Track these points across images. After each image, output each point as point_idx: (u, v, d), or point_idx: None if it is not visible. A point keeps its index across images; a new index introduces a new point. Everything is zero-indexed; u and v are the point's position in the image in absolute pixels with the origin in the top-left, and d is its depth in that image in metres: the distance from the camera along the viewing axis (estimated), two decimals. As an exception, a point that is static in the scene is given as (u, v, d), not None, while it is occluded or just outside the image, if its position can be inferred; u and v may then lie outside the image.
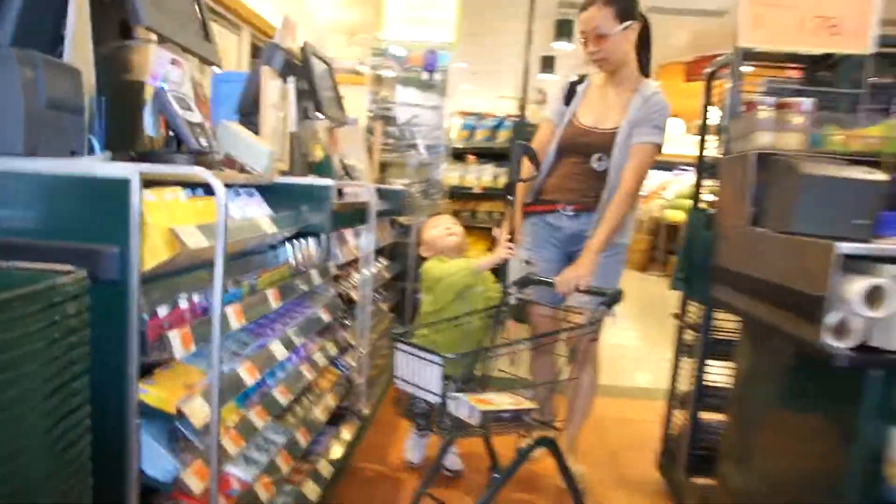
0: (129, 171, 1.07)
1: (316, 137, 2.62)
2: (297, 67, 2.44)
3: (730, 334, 2.15)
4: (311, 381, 1.91)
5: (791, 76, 2.22)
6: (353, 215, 2.49)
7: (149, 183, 1.14)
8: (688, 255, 2.04)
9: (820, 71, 2.10)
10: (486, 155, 5.12)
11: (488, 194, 5.01)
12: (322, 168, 2.45)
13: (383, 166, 3.54)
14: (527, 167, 2.31)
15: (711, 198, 2.24)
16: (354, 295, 2.45)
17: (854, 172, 1.39)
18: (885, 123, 1.69)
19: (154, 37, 1.57)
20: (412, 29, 3.62)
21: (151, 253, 1.11)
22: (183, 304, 1.27)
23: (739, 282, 1.69)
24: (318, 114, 2.56)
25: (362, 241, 2.56)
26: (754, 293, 1.58)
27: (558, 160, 2.38)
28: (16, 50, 1.09)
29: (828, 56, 2.02)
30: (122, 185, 1.06)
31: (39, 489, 0.82)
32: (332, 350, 2.16)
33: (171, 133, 1.38)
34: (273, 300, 1.61)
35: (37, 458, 0.81)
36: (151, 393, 1.15)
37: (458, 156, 4.99)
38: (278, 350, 1.63)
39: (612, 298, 1.85)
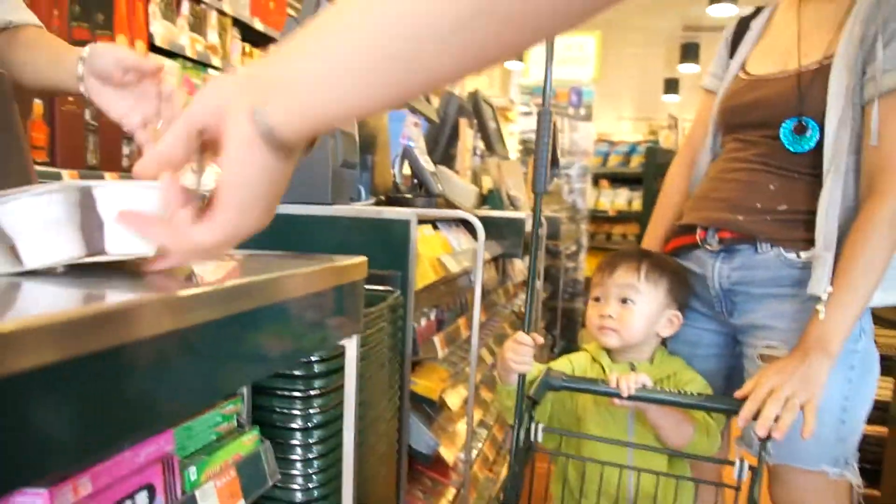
0: (409, 214, 1.41)
1: (486, 171, 2.96)
2: (467, 110, 2.81)
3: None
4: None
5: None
6: (519, 241, 2.79)
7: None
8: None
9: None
10: (619, 179, 5.31)
11: (622, 217, 5.21)
12: (493, 199, 2.78)
13: (533, 195, 3.85)
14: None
15: None
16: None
17: None
18: None
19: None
20: (556, 69, 3.92)
21: (422, 276, 1.45)
22: (431, 317, 1.60)
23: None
24: (485, 150, 2.92)
25: (527, 263, 2.86)
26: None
27: (716, 149, 1.39)
28: (326, 126, 1.48)
29: None
30: (404, 225, 1.41)
31: (385, 446, 1.16)
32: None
33: (414, 180, 1.74)
34: (481, 315, 1.93)
35: (387, 411, 1.15)
36: (418, 383, 1.48)
37: (593, 181, 5.22)
38: (486, 357, 1.94)
39: None
